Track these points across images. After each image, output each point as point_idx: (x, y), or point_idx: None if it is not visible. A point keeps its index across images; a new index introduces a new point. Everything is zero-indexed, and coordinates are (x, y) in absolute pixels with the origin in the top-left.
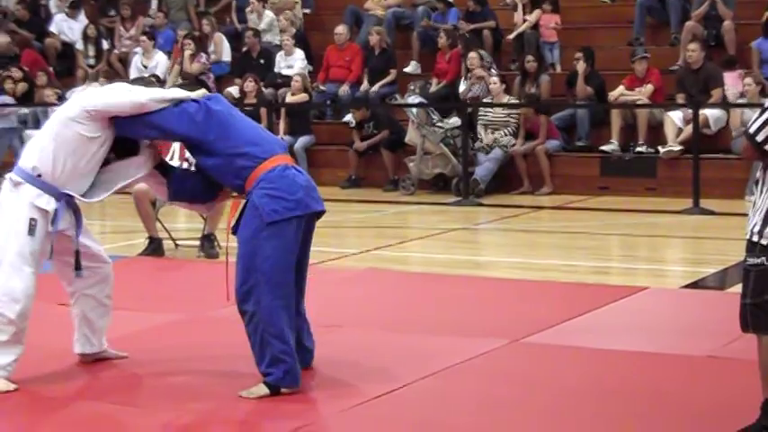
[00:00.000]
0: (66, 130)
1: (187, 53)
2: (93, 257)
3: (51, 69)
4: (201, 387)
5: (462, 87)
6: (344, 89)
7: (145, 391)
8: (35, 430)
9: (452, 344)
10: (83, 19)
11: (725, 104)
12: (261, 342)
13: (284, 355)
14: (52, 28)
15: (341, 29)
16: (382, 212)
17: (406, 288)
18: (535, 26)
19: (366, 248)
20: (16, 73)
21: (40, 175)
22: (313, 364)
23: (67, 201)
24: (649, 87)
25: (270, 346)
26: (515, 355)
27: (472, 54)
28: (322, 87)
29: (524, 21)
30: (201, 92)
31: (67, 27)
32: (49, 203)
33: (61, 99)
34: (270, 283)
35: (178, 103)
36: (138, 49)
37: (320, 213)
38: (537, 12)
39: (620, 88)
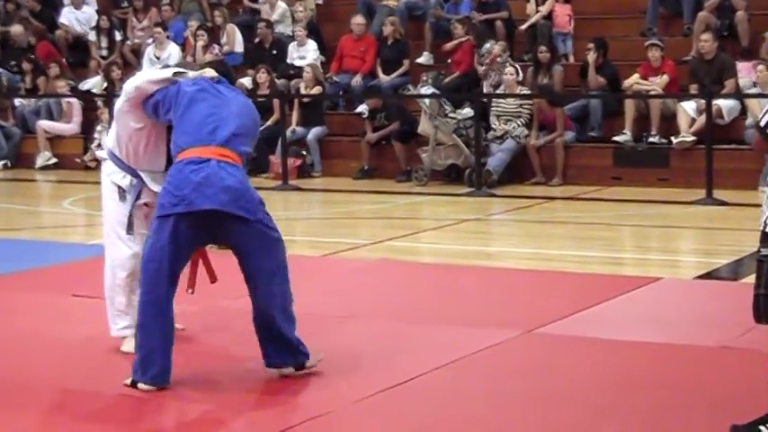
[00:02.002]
0: (120, 119)
1: (200, 44)
2: None
3: (64, 60)
4: (214, 376)
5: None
6: (357, 80)
7: None
8: (52, 420)
9: (465, 335)
10: (88, 9)
11: (738, 95)
12: None
13: (138, 347)
14: (62, 19)
15: (359, 19)
16: (394, 203)
17: (418, 279)
18: (548, 16)
19: (378, 239)
20: (26, 65)
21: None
22: (323, 355)
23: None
24: (665, 78)
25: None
26: (528, 345)
27: (500, 43)
28: (335, 78)
29: (537, 11)
30: (198, 72)
31: (74, 18)
32: (124, 179)
33: (74, 90)
34: (143, 274)
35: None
36: (150, 40)
37: (234, 216)
38: (549, 2)
39: (635, 76)
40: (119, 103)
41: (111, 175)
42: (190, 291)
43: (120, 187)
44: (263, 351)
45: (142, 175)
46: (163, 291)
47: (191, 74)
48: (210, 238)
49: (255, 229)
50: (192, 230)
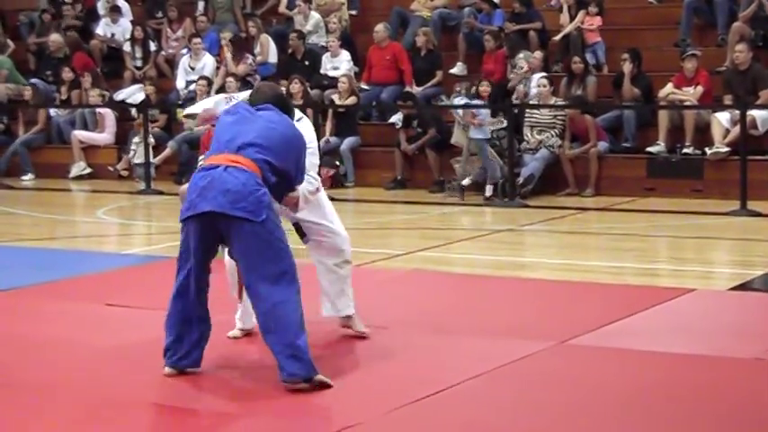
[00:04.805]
0: None
1: (229, 55)
2: (317, 229)
3: (99, 71)
4: (242, 384)
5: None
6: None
7: (185, 389)
8: (78, 427)
9: (498, 345)
10: (124, 22)
11: None
12: None
13: (166, 335)
14: (99, 30)
15: (379, 27)
16: (427, 214)
17: (451, 289)
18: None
19: (411, 249)
20: (64, 75)
21: None
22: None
23: None
24: (699, 89)
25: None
26: (562, 357)
27: (537, 53)
28: (365, 87)
29: (570, 22)
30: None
31: (110, 31)
32: None
33: (111, 101)
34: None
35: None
36: (185, 51)
37: (235, 218)
38: (582, 13)
39: (669, 86)
40: None
41: None
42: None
43: None
44: (277, 363)
45: None
46: (186, 287)
47: (235, 99)
48: (220, 240)
49: (257, 232)
50: (203, 233)
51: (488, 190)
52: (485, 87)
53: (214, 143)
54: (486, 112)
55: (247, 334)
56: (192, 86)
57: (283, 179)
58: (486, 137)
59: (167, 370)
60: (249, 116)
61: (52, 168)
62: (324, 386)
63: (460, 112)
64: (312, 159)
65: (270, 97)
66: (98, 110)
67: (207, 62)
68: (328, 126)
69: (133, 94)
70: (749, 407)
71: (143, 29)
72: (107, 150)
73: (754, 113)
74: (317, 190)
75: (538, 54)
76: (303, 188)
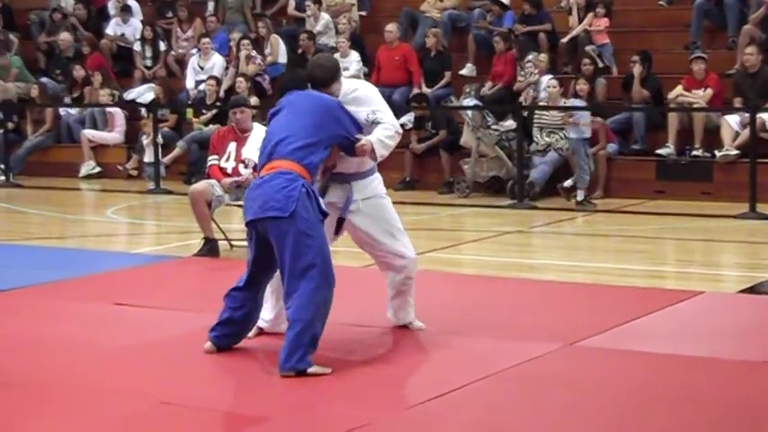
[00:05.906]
0: None
1: (243, 54)
2: (378, 248)
3: (110, 70)
4: (252, 385)
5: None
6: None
7: (193, 388)
8: (86, 426)
9: (506, 347)
10: (134, 22)
11: None
12: None
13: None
14: (108, 30)
15: (391, 27)
16: (436, 215)
17: (460, 290)
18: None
19: (420, 250)
20: (75, 73)
21: None
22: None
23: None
24: (709, 92)
25: None
26: (569, 358)
27: (542, 56)
28: None
29: (579, 24)
30: None
31: (120, 31)
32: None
33: (121, 100)
34: None
35: None
36: (195, 51)
37: (267, 219)
38: (590, 15)
39: (679, 88)
40: None
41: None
42: None
43: None
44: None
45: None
46: (244, 287)
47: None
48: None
49: (284, 230)
50: (255, 238)
51: (579, 194)
52: (582, 86)
53: (262, 147)
54: (583, 112)
55: (260, 333)
56: (202, 86)
57: (338, 141)
58: (582, 137)
59: (206, 345)
60: (277, 114)
61: (62, 167)
62: (321, 375)
63: (470, 113)
64: (374, 107)
65: (298, 84)
66: (108, 109)
67: (216, 62)
68: None
69: (143, 93)
70: (757, 409)
71: (153, 29)
72: (116, 150)
73: (764, 116)
74: (398, 133)
75: (543, 57)
76: (378, 134)
